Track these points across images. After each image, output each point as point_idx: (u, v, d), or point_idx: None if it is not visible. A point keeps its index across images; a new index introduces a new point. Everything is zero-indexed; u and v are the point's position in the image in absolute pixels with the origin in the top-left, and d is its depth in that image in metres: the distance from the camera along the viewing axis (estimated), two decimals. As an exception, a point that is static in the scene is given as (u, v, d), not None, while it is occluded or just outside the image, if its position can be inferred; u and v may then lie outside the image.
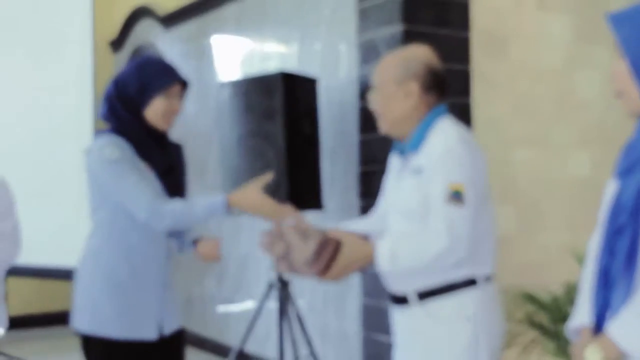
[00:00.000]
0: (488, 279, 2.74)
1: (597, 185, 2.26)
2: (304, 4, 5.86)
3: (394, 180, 2.88)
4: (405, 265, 2.59)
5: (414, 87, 2.74)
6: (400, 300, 2.77)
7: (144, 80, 3.24)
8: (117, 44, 8.91)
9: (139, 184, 3.07)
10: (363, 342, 5.16)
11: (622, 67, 1.90)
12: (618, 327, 1.83)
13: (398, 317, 2.84)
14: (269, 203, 2.99)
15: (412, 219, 2.67)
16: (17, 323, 8.17)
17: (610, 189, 2.02)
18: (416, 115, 2.76)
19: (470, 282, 2.69)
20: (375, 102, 2.83)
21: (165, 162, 3.45)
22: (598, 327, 1.94)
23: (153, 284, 3.29)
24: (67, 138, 6.26)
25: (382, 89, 2.80)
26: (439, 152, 2.63)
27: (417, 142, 2.73)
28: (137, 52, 8.48)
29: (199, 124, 6.88)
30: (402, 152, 2.83)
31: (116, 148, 3.11)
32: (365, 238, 2.65)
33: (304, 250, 2.60)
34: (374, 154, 5.07)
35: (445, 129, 2.71)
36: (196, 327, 7.08)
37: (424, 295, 2.70)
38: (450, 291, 2.67)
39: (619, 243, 1.88)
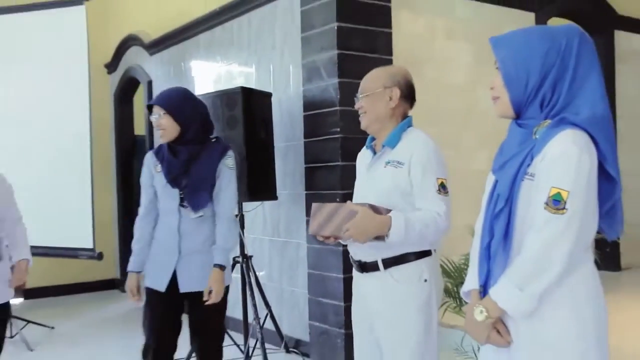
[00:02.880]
0: (435, 250, 2.83)
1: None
2: (261, 34, 5.81)
3: (365, 172, 2.91)
4: (413, 237, 2.62)
5: (396, 93, 2.81)
6: (371, 267, 2.78)
7: None
8: (111, 66, 8.79)
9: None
10: (309, 303, 5.14)
11: (498, 79, 1.96)
12: (497, 291, 1.85)
13: (366, 282, 2.84)
14: None
15: (386, 198, 2.71)
16: (35, 293, 8.17)
17: (490, 181, 2.05)
18: (392, 117, 2.82)
19: (426, 253, 2.77)
20: (362, 103, 2.84)
21: (171, 172, 3.45)
22: (484, 291, 1.95)
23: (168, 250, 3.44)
24: (67, 142, 6.14)
25: (371, 92, 2.82)
26: (424, 153, 2.71)
27: (394, 141, 2.77)
28: (127, 73, 8.39)
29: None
30: (374, 150, 2.88)
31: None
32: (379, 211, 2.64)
33: (338, 218, 2.64)
34: (316, 155, 5.05)
35: (422, 136, 2.79)
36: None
37: (390, 263, 2.74)
38: (411, 260, 2.73)
39: (497, 224, 1.90)
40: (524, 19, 6.25)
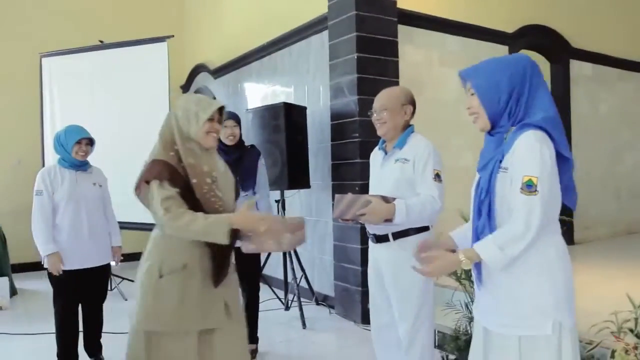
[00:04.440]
0: (432, 226, 2.81)
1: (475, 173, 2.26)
2: (298, 62, 5.79)
3: (378, 167, 2.89)
4: (414, 218, 2.62)
5: (410, 109, 2.82)
6: (383, 238, 2.79)
7: None
8: (185, 87, 8.82)
9: None
10: (334, 267, 5.12)
11: (475, 101, 1.93)
12: (482, 246, 1.83)
13: (379, 250, 2.83)
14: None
15: (396, 187, 2.72)
16: (130, 258, 8.23)
17: (476, 178, 2.04)
18: (402, 127, 2.81)
19: (425, 228, 2.76)
20: (383, 115, 2.80)
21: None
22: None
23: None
24: (149, 149, 6.15)
25: (392, 107, 2.79)
26: (426, 151, 2.70)
27: (402, 143, 2.77)
28: (197, 92, 8.42)
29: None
30: (385, 150, 2.87)
31: None
32: (387, 200, 2.65)
33: (357, 205, 2.62)
34: (340, 154, 5.02)
35: (423, 139, 2.77)
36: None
37: (397, 235, 2.74)
38: (414, 233, 2.72)
39: (483, 209, 1.89)
40: (500, 51, 6.16)
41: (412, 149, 2.74)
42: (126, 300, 5.81)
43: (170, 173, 2.22)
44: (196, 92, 8.44)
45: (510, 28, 6.29)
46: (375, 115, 2.84)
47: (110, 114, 6.25)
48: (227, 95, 7.48)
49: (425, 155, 2.68)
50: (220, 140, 3.78)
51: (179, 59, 8.42)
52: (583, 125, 7.31)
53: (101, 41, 6.60)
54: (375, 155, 2.97)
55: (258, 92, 6.69)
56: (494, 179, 1.85)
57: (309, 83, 5.62)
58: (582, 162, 7.21)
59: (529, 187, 1.74)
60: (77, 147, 3.57)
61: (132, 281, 6.67)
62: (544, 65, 7.29)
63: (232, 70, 7.29)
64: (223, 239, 2.12)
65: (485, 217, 1.86)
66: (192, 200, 2.22)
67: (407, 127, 2.82)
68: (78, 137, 3.56)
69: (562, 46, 7.07)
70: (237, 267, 3.62)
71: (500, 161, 1.84)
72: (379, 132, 2.85)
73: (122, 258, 3.97)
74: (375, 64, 4.85)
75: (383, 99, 2.83)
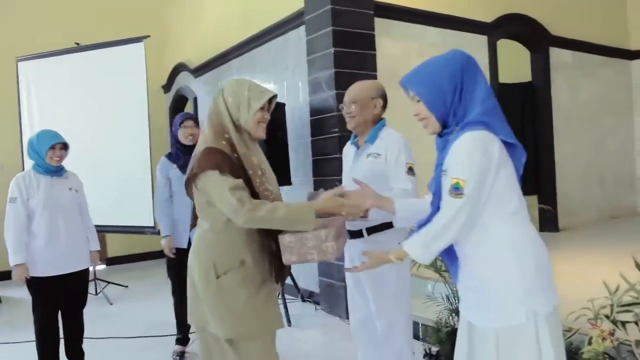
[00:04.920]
0: None
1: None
2: (277, 59, 5.77)
3: (350, 162, 2.85)
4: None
5: (380, 103, 2.78)
6: (357, 234, 2.77)
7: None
8: (166, 87, 8.76)
9: None
10: (318, 264, 5.11)
11: (421, 107, 1.92)
12: (409, 245, 1.88)
13: (354, 245, 2.79)
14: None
15: (367, 181, 2.51)
16: (114, 261, 8.23)
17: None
18: (373, 121, 2.77)
19: None
20: (353, 109, 2.78)
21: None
22: None
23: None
24: (132, 147, 6.13)
25: (361, 101, 2.77)
26: (397, 145, 2.67)
27: (373, 138, 2.73)
28: (178, 92, 8.37)
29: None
30: (357, 145, 2.84)
31: None
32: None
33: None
34: (320, 149, 5.01)
35: (394, 133, 2.74)
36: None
37: (371, 230, 2.73)
38: (388, 228, 2.69)
39: (435, 198, 1.92)
40: (479, 41, 6.16)
41: (383, 143, 2.71)
42: (111, 304, 5.76)
43: (230, 164, 2.06)
44: (177, 92, 8.39)
45: (489, 18, 6.29)
46: (345, 108, 2.82)
47: (88, 117, 6.21)
48: (208, 94, 7.44)
49: (397, 149, 2.66)
50: (178, 141, 3.80)
51: (159, 59, 8.37)
52: (564, 113, 7.33)
53: (77, 43, 6.54)
54: (348, 150, 2.95)
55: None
56: (439, 181, 1.89)
57: (288, 79, 5.60)
58: (564, 149, 7.25)
59: (456, 189, 1.78)
60: (52, 153, 3.52)
61: (120, 285, 6.65)
62: (524, 54, 7.31)
63: (212, 69, 7.25)
64: (308, 226, 2.01)
65: (437, 200, 1.90)
66: (251, 193, 2.07)
67: (379, 121, 2.80)
68: (51, 142, 3.51)
69: (541, 34, 7.08)
70: None
71: (442, 164, 1.88)
72: (348, 126, 2.83)
73: (100, 262, 3.92)
74: (352, 57, 4.83)
75: (353, 92, 2.81)
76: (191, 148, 3.77)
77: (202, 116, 7.59)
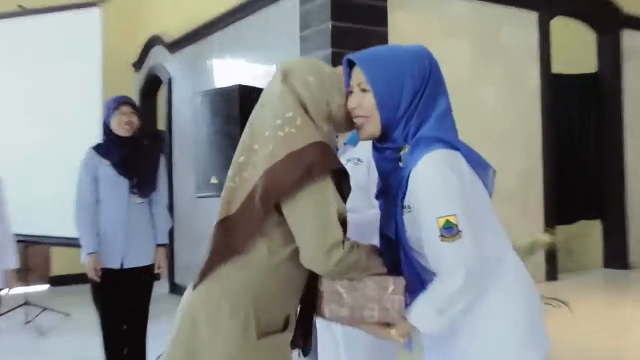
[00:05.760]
0: None
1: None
2: (266, 35, 5.74)
3: None
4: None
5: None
6: None
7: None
8: (137, 64, 8.79)
9: None
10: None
11: (368, 99, 1.79)
12: (413, 315, 1.75)
13: None
14: None
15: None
16: (60, 281, 8.19)
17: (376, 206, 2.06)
18: None
19: None
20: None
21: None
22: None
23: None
24: (80, 143, 6.05)
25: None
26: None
27: (355, 140, 2.66)
28: (151, 71, 8.36)
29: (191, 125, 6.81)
30: (337, 147, 2.70)
31: None
32: None
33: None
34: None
35: None
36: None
37: None
38: None
39: (403, 262, 1.85)
40: (526, 18, 6.02)
41: (366, 149, 2.60)
42: (43, 334, 5.69)
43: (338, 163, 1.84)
44: (150, 71, 8.37)
45: (541, -12, 6.16)
46: None
47: (28, 98, 6.16)
48: (185, 75, 7.48)
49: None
50: (111, 131, 3.68)
51: (131, 30, 8.37)
52: (636, 107, 7.21)
53: (20, 6, 6.53)
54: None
55: (221, 71, 6.65)
56: (401, 220, 1.78)
57: (278, 60, 5.49)
58: (637, 151, 7.06)
59: (449, 230, 1.67)
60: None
61: (59, 312, 6.55)
62: (587, 37, 7.15)
63: (190, 44, 7.25)
64: (381, 268, 1.82)
65: (407, 271, 1.79)
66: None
67: None
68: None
69: (611, 13, 6.94)
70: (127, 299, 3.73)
71: (402, 199, 1.75)
72: None
73: (17, 285, 3.86)
74: (355, 35, 4.74)
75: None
76: (127, 140, 3.67)
77: (178, 101, 7.57)
